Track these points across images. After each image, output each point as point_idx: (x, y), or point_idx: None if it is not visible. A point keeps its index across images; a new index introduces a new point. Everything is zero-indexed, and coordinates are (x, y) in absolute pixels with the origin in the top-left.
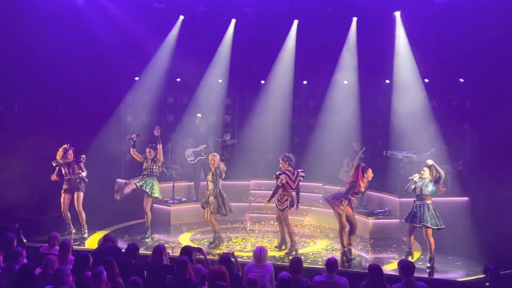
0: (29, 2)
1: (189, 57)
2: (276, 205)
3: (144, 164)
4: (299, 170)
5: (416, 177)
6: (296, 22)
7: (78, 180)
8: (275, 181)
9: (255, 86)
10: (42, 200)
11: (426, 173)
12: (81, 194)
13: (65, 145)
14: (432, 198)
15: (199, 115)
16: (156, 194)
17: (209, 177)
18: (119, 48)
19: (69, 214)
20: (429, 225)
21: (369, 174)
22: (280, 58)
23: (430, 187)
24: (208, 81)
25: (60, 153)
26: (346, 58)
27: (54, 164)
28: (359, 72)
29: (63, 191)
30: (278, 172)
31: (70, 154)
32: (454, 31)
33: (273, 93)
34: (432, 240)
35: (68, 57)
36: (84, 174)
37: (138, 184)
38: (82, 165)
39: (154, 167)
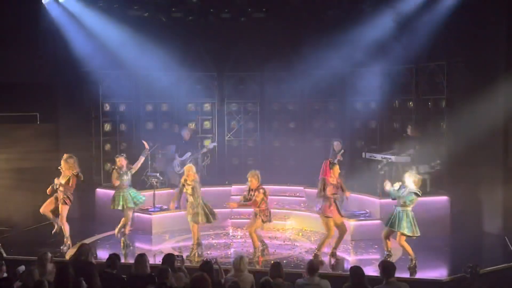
0: None
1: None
2: (262, 219)
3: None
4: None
5: (397, 185)
6: None
7: (63, 193)
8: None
9: (234, 90)
10: (21, 213)
11: (408, 181)
12: (65, 207)
13: (65, 154)
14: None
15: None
16: (132, 204)
17: (189, 190)
18: (95, 56)
19: (65, 225)
20: (405, 232)
21: (335, 170)
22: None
23: (412, 197)
24: (186, 87)
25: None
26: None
27: (58, 167)
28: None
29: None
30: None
31: (69, 163)
32: None
33: (252, 98)
34: (406, 245)
35: (44, 65)
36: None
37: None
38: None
39: (125, 177)
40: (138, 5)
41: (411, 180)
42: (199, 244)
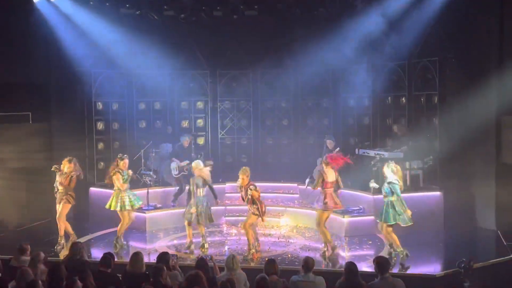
0: None
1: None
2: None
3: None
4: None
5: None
6: None
7: (65, 192)
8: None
9: (227, 88)
10: (16, 213)
11: (387, 172)
12: (66, 206)
13: (69, 157)
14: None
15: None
16: (128, 207)
17: (192, 186)
18: (87, 55)
19: (62, 223)
20: (386, 221)
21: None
22: None
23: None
24: (179, 85)
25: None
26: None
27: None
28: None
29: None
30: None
31: (71, 165)
32: None
33: (245, 95)
34: (393, 236)
35: (36, 64)
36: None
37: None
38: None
39: (127, 179)
40: (130, 4)
41: (389, 171)
42: (203, 237)
